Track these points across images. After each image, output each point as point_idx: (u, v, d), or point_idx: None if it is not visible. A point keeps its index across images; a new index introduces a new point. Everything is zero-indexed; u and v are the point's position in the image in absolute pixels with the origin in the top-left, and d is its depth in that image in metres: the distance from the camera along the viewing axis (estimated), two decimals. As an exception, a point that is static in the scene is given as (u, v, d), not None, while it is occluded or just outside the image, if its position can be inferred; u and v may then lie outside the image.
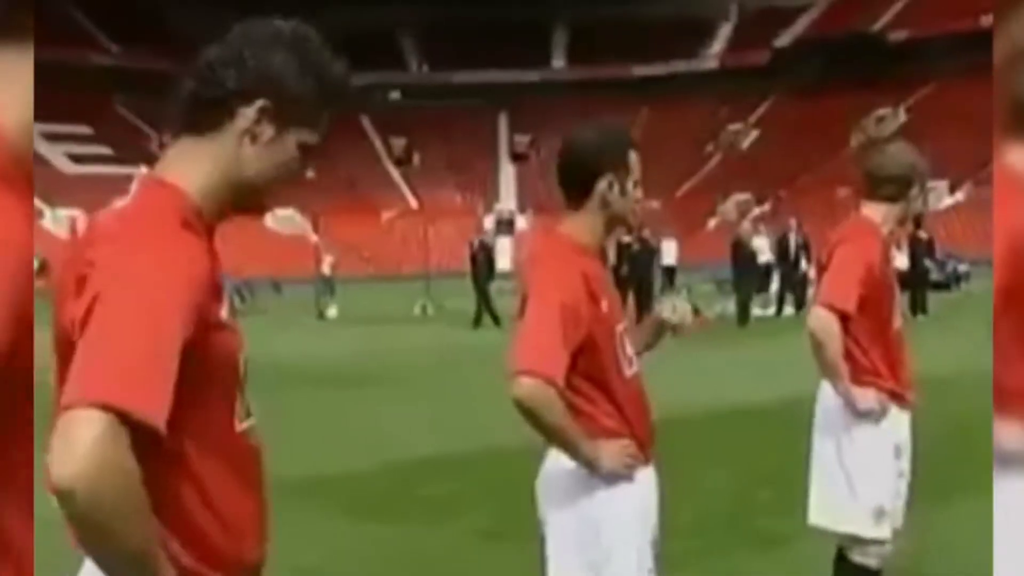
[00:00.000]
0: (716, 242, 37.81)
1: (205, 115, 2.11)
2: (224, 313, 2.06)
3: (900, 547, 4.64)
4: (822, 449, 4.69)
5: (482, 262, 22.78)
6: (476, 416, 11.67)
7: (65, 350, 1.89)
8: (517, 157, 66.58)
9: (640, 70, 67.72)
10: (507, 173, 66.13)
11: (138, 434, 1.77)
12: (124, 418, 1.74)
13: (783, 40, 67.23)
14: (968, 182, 48.68)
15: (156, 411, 1.79)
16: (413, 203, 61.73)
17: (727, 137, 62.99)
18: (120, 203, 2.13)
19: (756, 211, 50.82)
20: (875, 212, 4.65)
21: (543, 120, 64.58)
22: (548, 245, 3.69)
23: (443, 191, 62.07)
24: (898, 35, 61.33)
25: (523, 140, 66.87)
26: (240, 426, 2.11)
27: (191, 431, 1.95)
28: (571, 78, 70.34)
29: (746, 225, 27.68)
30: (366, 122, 67.82)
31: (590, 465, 3.35)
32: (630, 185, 3.50)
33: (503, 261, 56.19)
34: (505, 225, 58.04)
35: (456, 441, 10.41)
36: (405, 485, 8.71)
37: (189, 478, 1.99)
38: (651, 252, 24.01)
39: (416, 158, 65.60)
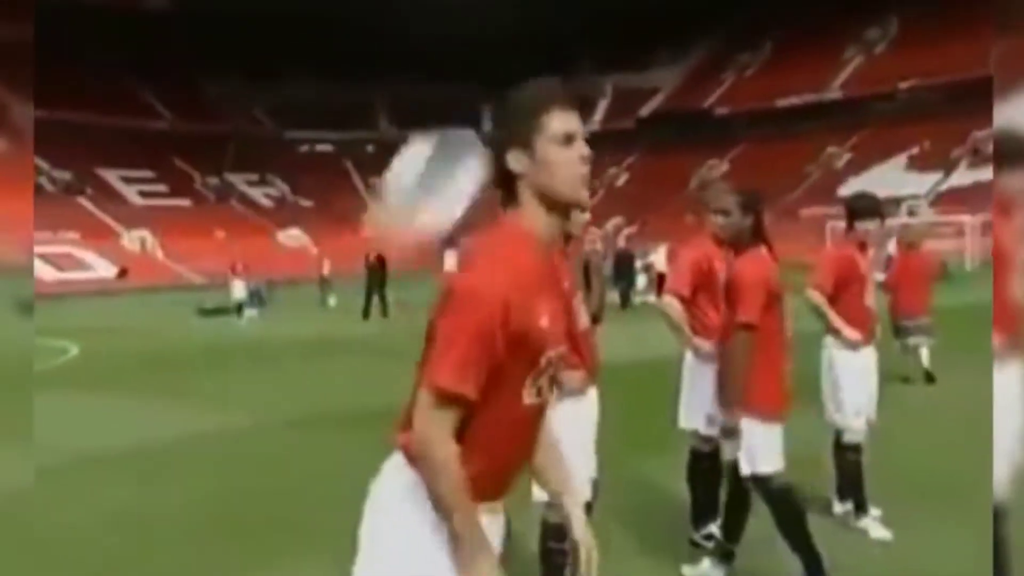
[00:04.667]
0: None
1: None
2: (544, 321, 1.89)
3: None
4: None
5: (375, 268, 22.45)
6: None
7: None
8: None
9: (545, 131, 67.83)
10: (452, 203, 66.09)
11: (459, 404, 1.80)
12: (447, 395, 1.79)
13: (644, 111, 67.73)
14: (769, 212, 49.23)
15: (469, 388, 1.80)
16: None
17: (607, 178, 63.29)
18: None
19: (627, 231, 51.10)
20: (711, 228, 4.71)
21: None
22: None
23: (406, 216, 61.73)
24: (722, 110, 62.12)
25: (462, 180, 67.00)
26: (527, 401, 1.93)
27: (493, 402, 1.85)
28: (493, 136, 70.28)
29: (621, 240, 28.18)
30: (350, 167, 67.51)
31: (561, 385, 3.46)
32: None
33: (449, 265, 56.57)
34: (449, 239, 58.10)
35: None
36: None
37: (482, 431, 1.86)
38: (631, 257, 24.93)
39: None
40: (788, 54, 60.43)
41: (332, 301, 26.70)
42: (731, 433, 4.13)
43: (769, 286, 4.14)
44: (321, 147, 69.64)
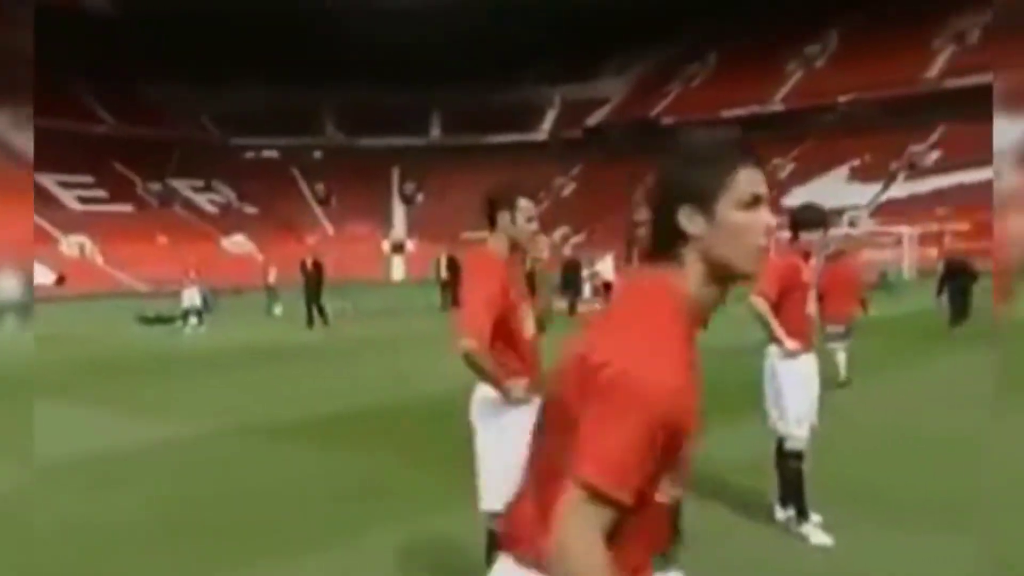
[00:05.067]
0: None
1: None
2: (695, 411, 1.63)
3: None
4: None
5: (312, 275, 21.68)
6: (384, 378, 11.58)
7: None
8: (406, 199, 66.40)
9: (493, 139, 67.96)
10: (399, 211, 65.82)
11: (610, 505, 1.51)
12: (603, 498, 1.50)
13: (592, 121, 68.21)
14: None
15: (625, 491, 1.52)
16: (331, 231, 60.98)
17: (554, 187, 63.55)
18: None
19: (574, 240, 51.33)
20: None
21: (425, 173, 65.11)
22: (477, 256, 3.95)
23: (353, 223, 61.34)
24: (668, 119, 62.81)
25: (410, 187, 66.77)
26: (662, 498, 1.64)
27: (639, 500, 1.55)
28: (444, 143, 70.34)
29: (568, 249, 28.44)
30: (296, 173, 66.95)
31: (505, 393, 3.69)
32: (520, 219, 3.79)
33: (397, 273, 56.47)
34: (398, 247, 58.27)
35: (375, 394, 10.30)
36: (344, 424, 8.57)
37: (617, 538, 1.54)
38: (578, 266, 25.25)
39: (333, 200, 64.88)
40: (733, 66, 61.38)
41: (278, 310, 26.36)
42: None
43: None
44: (267, 153, 68.97)
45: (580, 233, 53.35)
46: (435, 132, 72.82)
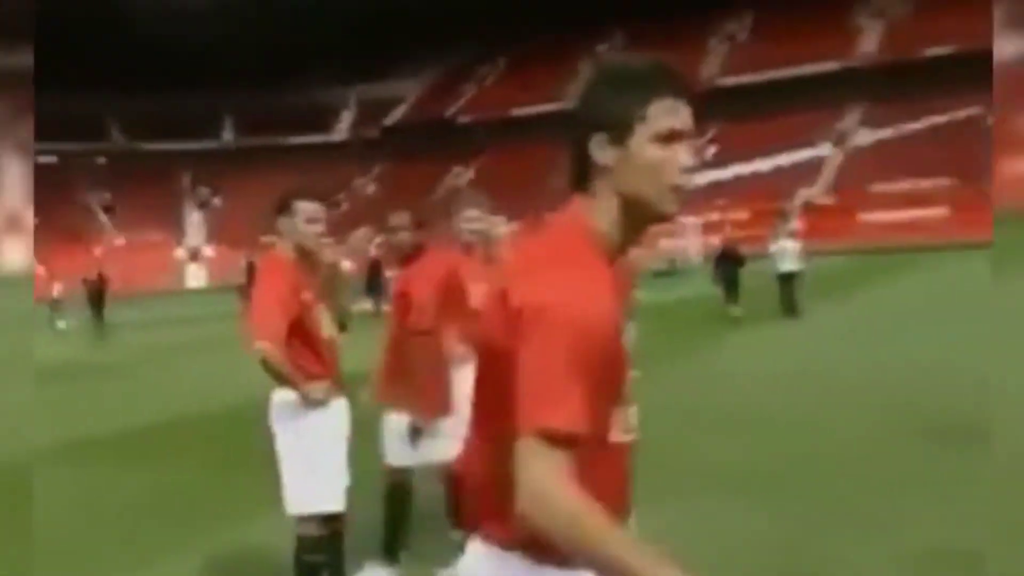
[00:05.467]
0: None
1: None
2: (623, 338, 1.55)
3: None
4: None
5: (94, 287, 21.00)
6: (179, 388, 11.13)
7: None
8: (201, 204, 63.78)
9: (290, 140, 66.52)
10: (194, 217, 63.15)
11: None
12: (558, 438, 1.38)
13: (389, 121, 68.06)
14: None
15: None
16: (120, 240, 57.80)
17: (354, 187, 62.92)
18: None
19: (377, 240, 50.96)
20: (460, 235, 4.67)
21: (220, 177, 62.91)
22: (266, 260, 3.93)
23: (143, 231, 58.36)
24: (464, 119, 63.61)
25: (205, 192, 64.19)
26: (615, 439, 1.56)
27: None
28: (238, 146, 68.26)
29: (372, 249, 28.51)
30: (79, 181, 62.99)
31: (303, 395, 3.64)
32: (299, 222, 3.75)
33: (194, 280, 54.24)
34: (194, 254, 56.19)
35: (170, 406, 9.86)
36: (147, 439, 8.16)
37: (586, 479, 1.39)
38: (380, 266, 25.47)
39: (119, 208, 61.50)
40: (523, 66, 62.91)
41: (62, 324, 24.81)
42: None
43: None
44: (44, 159, 64.41)
45: (382, 233, 53.06)
46: (227, 135, 70.44)
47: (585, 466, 1.42)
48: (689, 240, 37.24)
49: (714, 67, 57.02)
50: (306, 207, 3.78)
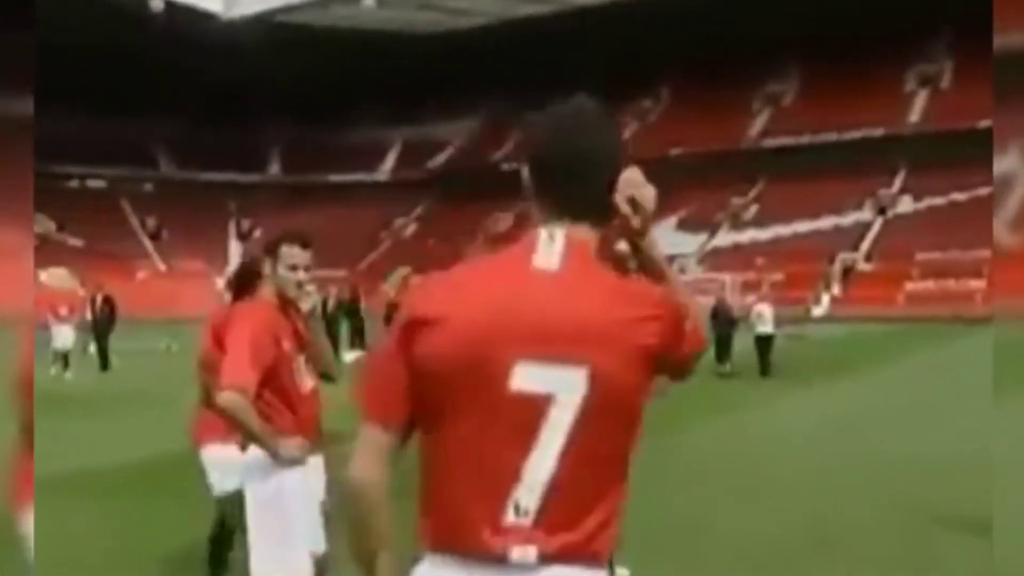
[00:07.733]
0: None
1: None
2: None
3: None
4: None
5: (102, 312, 19.87)
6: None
7: None
8: (242, 236, 64.58)
9: (334, 178, 67.31)
10: (235, 248, 63.95)
11: None
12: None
13: (435, 163, 68.71)
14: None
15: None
16: (162, 267, 58.64)
17: (395, 228, 63.45)
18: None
19: (414, 280, 51.16)
20: None
21: (262, 209, 63.64)
22: (246, 305, 3.65)
23: (185, 259, 59.13)
24: (510, 166, 64.06)
25: (247, 223, 65.04)
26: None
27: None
28: (282, 181, 69.23)
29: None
30: (126, 205, 64.06)
31: (271, 452, 3.31)
32: (281, 267, 3.49)
33: (230, 311, 54.66)
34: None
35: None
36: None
37: None
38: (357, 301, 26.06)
39: (164, 234, 62.36)
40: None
41: (68, 375, 24.43)
42: None
43: None
44: (93, 183, 65.66)
45: (421, 274, 53.32)
46: (274, 169, 71.45)
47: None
48: (727, 296, 36.99)
49: (759, 127, 57.09)
50: (289, 251, 3.50)
